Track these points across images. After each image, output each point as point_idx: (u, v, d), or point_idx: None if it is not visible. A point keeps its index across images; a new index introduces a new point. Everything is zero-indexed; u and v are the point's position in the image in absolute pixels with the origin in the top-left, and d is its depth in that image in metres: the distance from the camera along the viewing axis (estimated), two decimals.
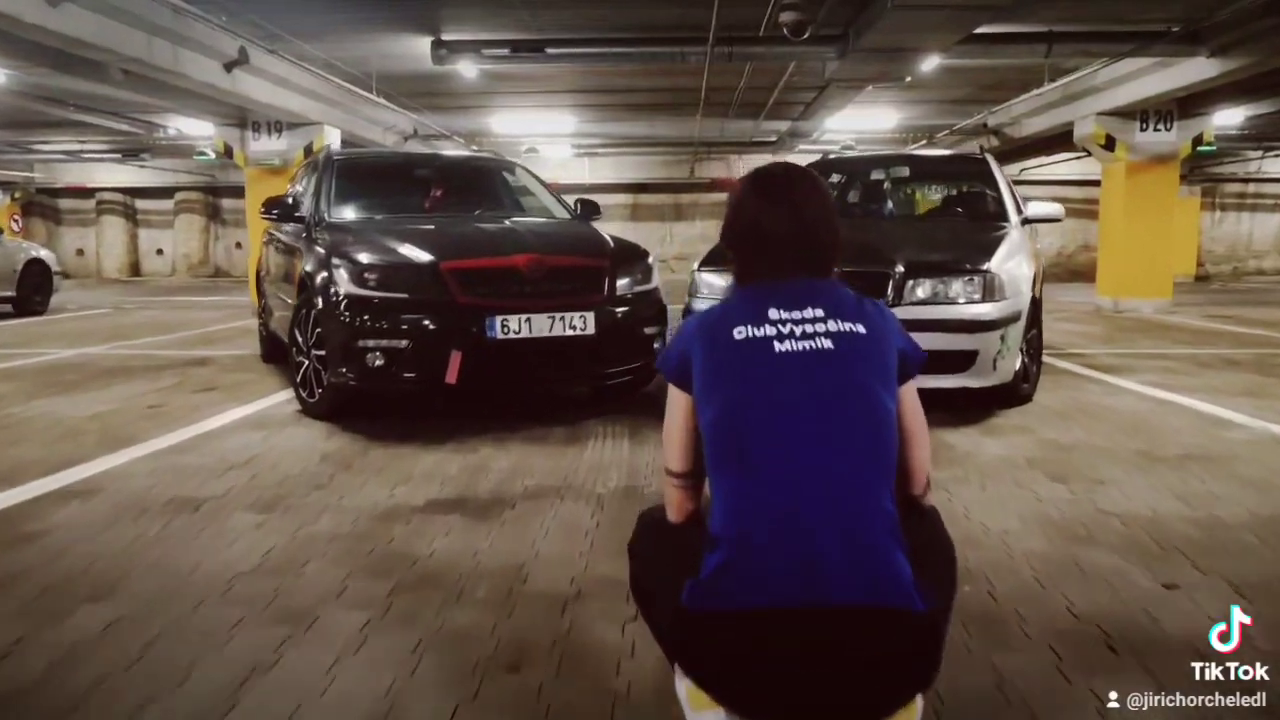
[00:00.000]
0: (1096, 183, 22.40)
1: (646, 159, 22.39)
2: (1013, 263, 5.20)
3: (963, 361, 4.86)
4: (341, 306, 4.76)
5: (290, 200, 5.94)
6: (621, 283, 5.19)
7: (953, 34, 8.32)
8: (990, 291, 4.90)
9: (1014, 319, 5.02)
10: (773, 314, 1.66)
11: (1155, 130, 12.13)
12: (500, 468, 4.09)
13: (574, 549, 3.01)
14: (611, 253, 5.33)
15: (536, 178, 6.76)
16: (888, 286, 4.91)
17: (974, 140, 16.81)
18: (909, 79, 10.95)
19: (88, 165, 22.63)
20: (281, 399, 5.78)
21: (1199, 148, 12.56)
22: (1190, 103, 11.67)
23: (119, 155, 19.82)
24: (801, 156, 20.85)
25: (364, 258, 4.88)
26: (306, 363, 5.21)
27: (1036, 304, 5.50)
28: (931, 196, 7.12)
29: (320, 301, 4.96)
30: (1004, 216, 5.99)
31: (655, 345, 5.32)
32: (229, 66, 9.85)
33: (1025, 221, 6.02)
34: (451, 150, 7.43)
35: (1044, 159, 19.07)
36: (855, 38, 8.93)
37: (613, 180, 23.56)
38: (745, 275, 1.79)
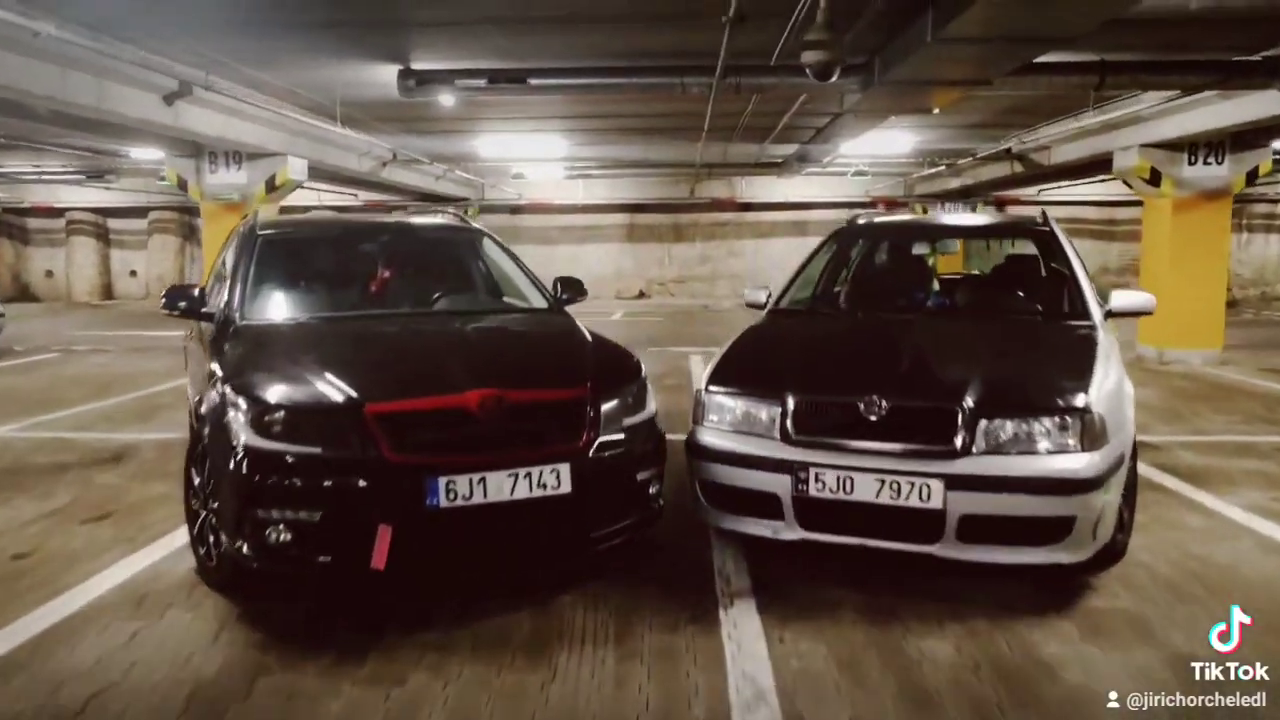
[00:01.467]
0: (1117, 203, 21.42)
1: (644, 179, 21.22)
2: (1112, 386, 4.03)
3: (1053, 531, 3.69)
4: (236, 461, 3.58)
5: (197, 291, 4.76)
6: (608, 409, 3.99)
7: (999, 68, 7.15)
8: (1091, 438, 3.71)
9: (1118, 466, 3.85)
10: None
11: (1205, 164, 10.99)
12: None
13: None
14: (594, 371, 4.15)
15: (508, 251, 5.58)
16: (954, 430, 3.74)
17: (996, 165, 15.68)
18: (937, 110, 9.84)
19: (54, 184, 21.47)
20: (185, 540, 4.59)
21: (1255, 181, 11.40)
22: (1247, 135, 10.52)
23: (83, 176, 18.61)
24: (810, 180, 19.71)
25: (269, 393, 3.70)
26: (204, 514, 4.04)
27: None
28: (950, 247, 5.92)
29: (211, 444, 3.81)
30: (1083, 310, 4.80)
31: (651, 490, 4.14)
32: (169, 99, 8.68)
33: (1109, 315, 4.85)
34: (412, 218, 6.15)
35: (1065, 182, 17.93)
36: (882, 69, 7.76)
37: (608, 200, 22.46)
38: None
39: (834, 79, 5.76)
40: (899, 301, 5.18)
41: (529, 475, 3.64)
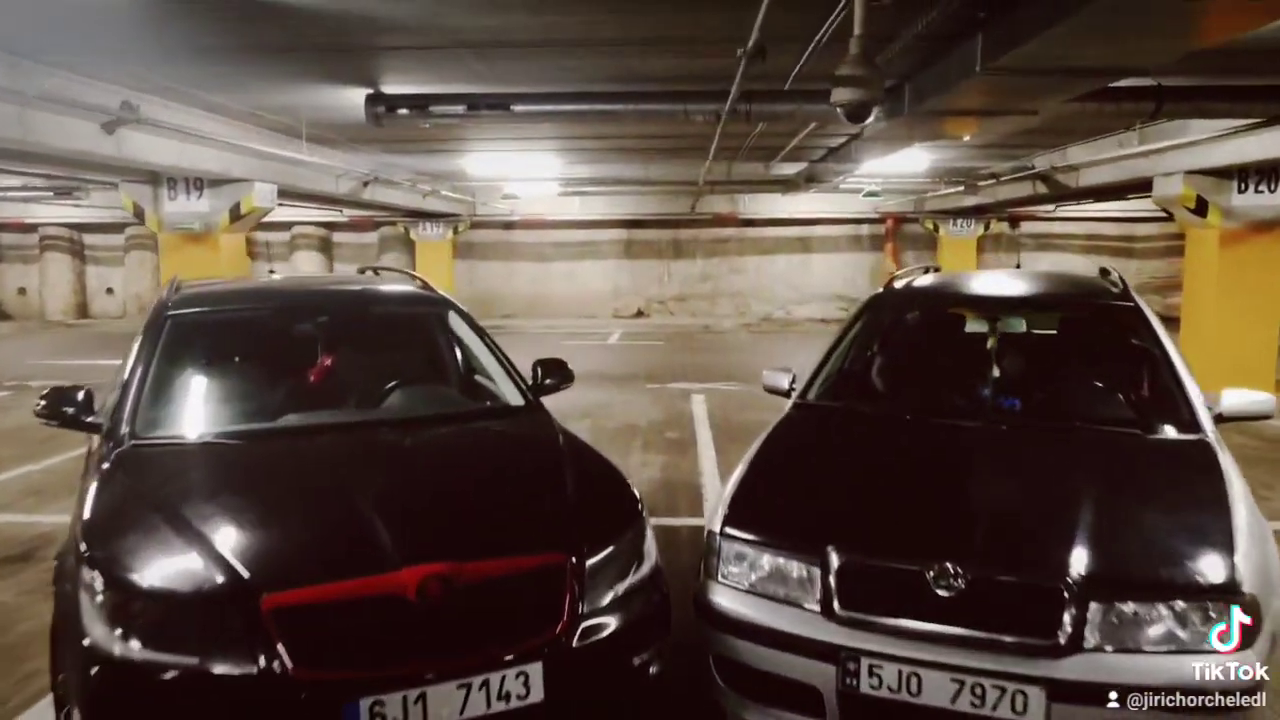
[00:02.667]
0: (1136, 219, 20.47)
1: (643, 195, 20.21)
2: (1256, 539, 3.06)
3: None
4: (82, 668, 2.63)
5: (83, 394, 3.79)
6: (595, 566, 3.03)
7: (1053, 98, 6.22)
8: (1248, 631, 2.76)
9: (1272, 651, 2.90)
10: None
11: (1257, 192, 10.03)
12: None
13: None
14: (578, 513, 3.20)
15: (477, 328, 4.60)
16: (1058, 616, 2.79)
17: (1018, 184, 14.75)
18: (967, 138, 8.92)
19: (26, 201, 20.49)
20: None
21: None
22: None
23: (50, 194, 17.62)
24: (815, 195, 18.75)
25: (133, 570, 2.74)
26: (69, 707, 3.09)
27: None
28: (1014, 326, 4.93)
29: (60, 627, 2.86)
30: (1190, 418, 3.84)
31: (651, 670, 3.18)
32: (109, 127, 7.72)
33: (1219, 420, 3.91)
34: (366, 285, 5.06)
35: (1088, 200, 16.99)
36: (915, 98, 6.83)
37: (605, 216, 21.51)
38: None
39: (870, 119, 4.83)
40: (955, 399, 4.21)
41: (486, 684, 2.69)
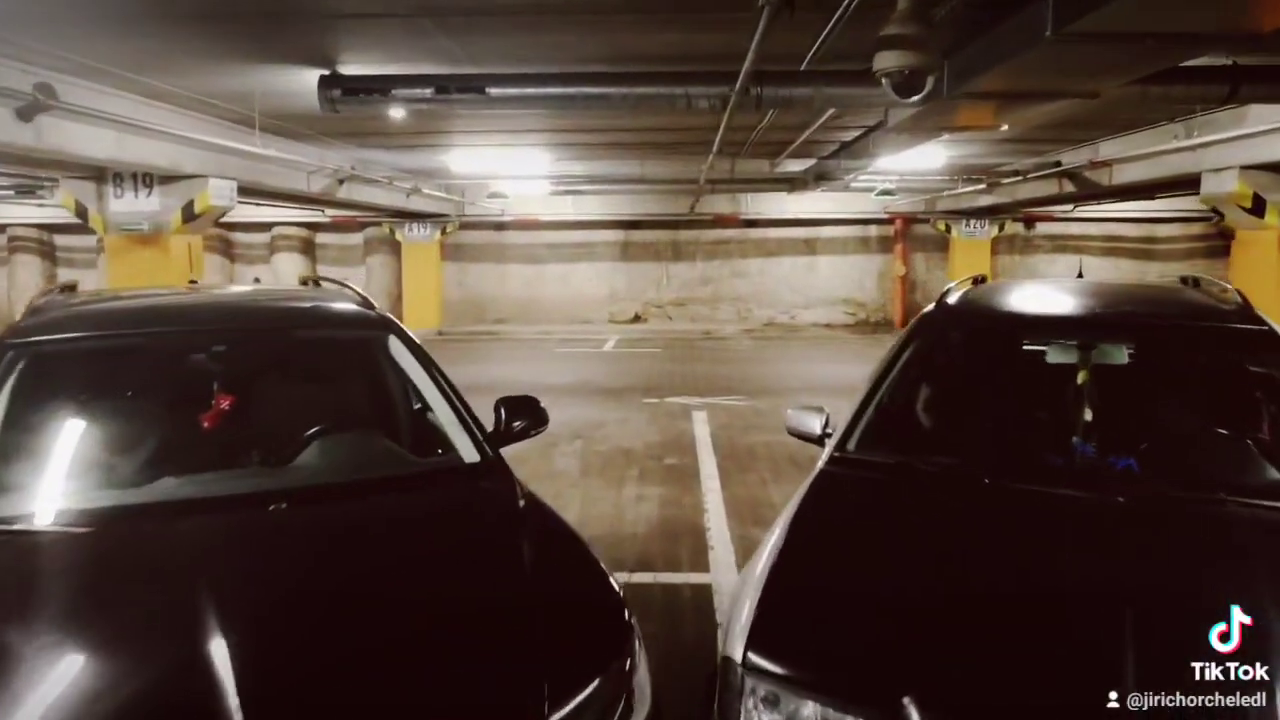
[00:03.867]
0: (1156, 219, 19.50)
1: (640, 194, 19.20)
2: None
3: None
4: None
5: None
6: (562, 717, 2.07)
7: (1125, 76, 5.24)
8: None
9: None
10: None
11: None
12: None
13: None
14: (544, 639, 2.22)
15: (423, 356, 3.59)
16: None
17: (1041, 183, 13.79)
18: (1006, 127, 7.93)
19: None
20: None
21: None
22: None
23: (11, 193, 16.58)
24: (820, 194, 17.77)
25: None
26: None
27: None
28: (1113, 357, 3.73)
29: None
30: None
31: None
32: (24, 114, 6.71)
33: None
34: (283, 300, 4.04)
35: (1114, 199, 16.02)
36: (954, 79, 5.79)
37: (601, 216, 20.53)
38: None
39: (925, 92, 3.85)
40: (1046, 455, 3.22)
41: None
